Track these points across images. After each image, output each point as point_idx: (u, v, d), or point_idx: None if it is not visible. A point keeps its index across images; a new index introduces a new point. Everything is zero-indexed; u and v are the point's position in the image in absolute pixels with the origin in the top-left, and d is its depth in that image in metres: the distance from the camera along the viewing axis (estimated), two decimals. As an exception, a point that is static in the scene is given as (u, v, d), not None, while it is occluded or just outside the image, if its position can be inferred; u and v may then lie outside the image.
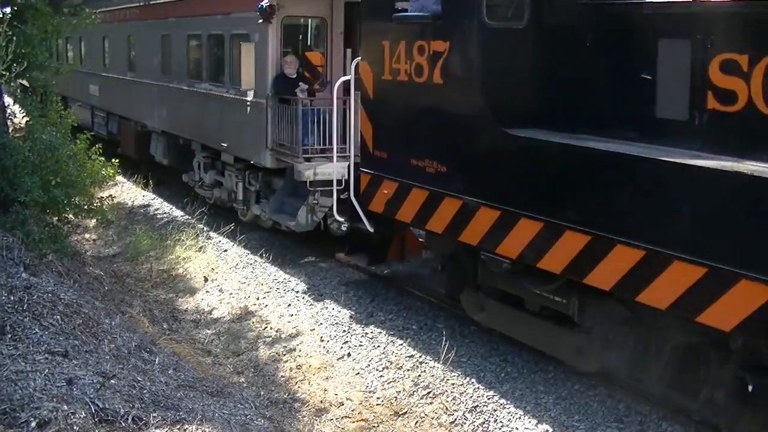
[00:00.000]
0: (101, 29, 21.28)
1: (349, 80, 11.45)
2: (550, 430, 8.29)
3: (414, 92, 9.54)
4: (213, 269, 13.94)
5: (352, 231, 12.18)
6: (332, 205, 12.26)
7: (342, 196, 12.07)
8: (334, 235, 13.58)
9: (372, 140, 10.55)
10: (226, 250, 14.89)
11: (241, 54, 14.39)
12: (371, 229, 11.15)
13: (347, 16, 13.98)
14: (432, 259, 12.15)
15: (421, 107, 9.54)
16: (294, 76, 13.54)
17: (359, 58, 10.77)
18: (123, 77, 21.28)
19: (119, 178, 19.18)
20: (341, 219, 11.96)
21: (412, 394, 9.23)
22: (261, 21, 13.37)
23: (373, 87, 10.40)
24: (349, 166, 11.47)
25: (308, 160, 13.00)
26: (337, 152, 12.28)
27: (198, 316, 12.24)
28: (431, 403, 9.00)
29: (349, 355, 10.36)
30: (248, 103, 14.32)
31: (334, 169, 12.38)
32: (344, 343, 10.67)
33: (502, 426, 8.44)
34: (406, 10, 9.80)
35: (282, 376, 10.01)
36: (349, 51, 14.09)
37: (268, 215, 14.41)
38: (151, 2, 19.35)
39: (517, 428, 8.38)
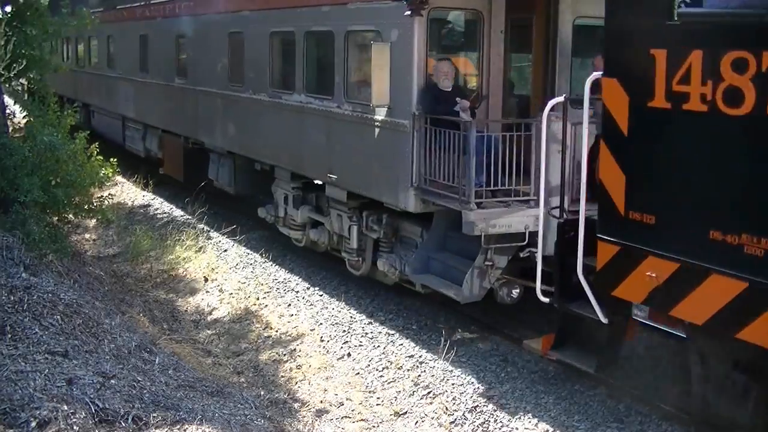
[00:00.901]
0: (138, 25, 19.21)
1: (561, 102, 8.44)
2: (550, 430, 8.29)
3: (722, 129, 6.52)
4: (213, 269, 13.94)
5: (561, 316, 8.89)
6: (506, 267, 9.96)
7: (522, 254, 9.84)
8: (502, 303, 10.50)
9: (624, 196, 7.34)
10: (226, 250, 14.89)
11: (373, 58, 10.46)
12: (605, 321, 7.98)
13: (510, 9, 10.71)
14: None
15: (735, 152, 6.52)
16: (449, 89, 10.28)
17: (598, 73, 7.61)
18: (169, 84, 17.76)
19: (119, 178, 19.20)
20: (546, 300, 8.63)
21: (412, 394, 9.23)
22: (408, 13, 10.13)
23: (631, 118, 7.20)
24: (542, 216, 8.79)
25: (480, 206, 9.69)
26: (520, 195, 9.74)
27: (198, 316, 12.24)
28: (431, 403, 9.00)
29: (349, 355, 10.36)
30: (379, 123, 10.71)
31: (526, 220, 9.55)
32: (344, 343, 10.67)
33: (502, 426, 8.44)
34: (699, 3, 6.75)
35: (282, 376, 10.01)
36: (510, 56, 11.28)
37: (414, 278, 10.87)
38: None
39: (517, 428, 8.38)
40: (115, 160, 13.71)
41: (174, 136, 17.91)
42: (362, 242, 11.86)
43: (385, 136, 10.71)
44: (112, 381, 7.10)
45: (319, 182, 12.64)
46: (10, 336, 7.45)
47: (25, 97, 19.00)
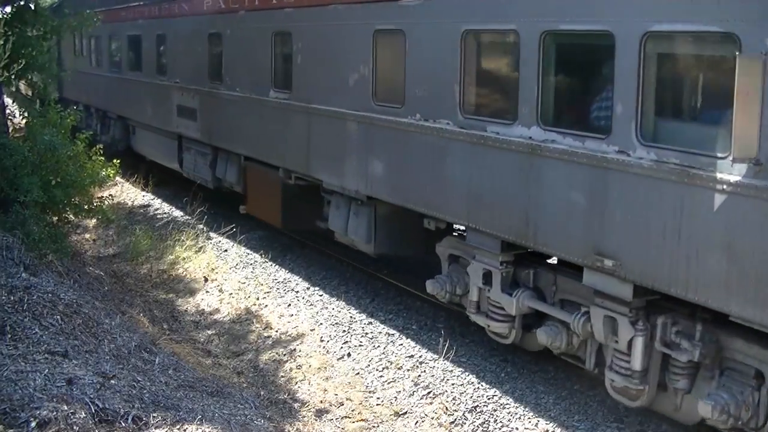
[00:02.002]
0: (208, 21, 15.32)
1: None
2: (550, 430, 8.29)
3: None
4: (213, 269, 13.94)
5: None
6: None
7: None
8: None
9: None
10: (226, 250, 14.89)
11: (738, 79, 6.35)
12: None
13: None
14: None
15: None
16: None
17: None
18: (261, 98, 13.48)
19: (119, 178, 19.17)
20: None
21: (412, 394, 9.23)
22: None
23: None
24: None
25: None
26: None
27: (198, 316, 12.24)
28: (431, 403, 9.00)
29: (349, 355, 10.36)
30: (731, 188, 6.63)
31: None
32: (344, 343, 10.67)
33: (502, 426, 8.44)
34: None
35: (282, 377, 10.01)
36: None
37: None
38: None
39: (517, 428, 8.38)
40: (119, 161, 13.74)
41: (265, 166, 13.71)
42: (649, 362, 7.88)
43: (749, 210, 6.52)
44: (112, 381, 7.11)
45: (552, 259, 9.07)
46: (10, 336, 7.46)
47: (29, 95, 18.99)
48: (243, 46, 14.07)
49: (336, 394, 9.42)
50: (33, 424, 5.93)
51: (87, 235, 16.52)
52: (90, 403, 6.45)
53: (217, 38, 15.02)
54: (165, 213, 18.09)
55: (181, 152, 17.43)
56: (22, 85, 18.74)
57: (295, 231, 14.36)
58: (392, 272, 12.76)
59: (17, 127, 16.07)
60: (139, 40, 19.05)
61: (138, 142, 20.61)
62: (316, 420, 8.84)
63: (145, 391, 7.25)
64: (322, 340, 10.84)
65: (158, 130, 18.44)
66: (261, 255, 14.15)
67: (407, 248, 11.65)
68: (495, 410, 8.69)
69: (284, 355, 10.59)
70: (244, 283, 13.23)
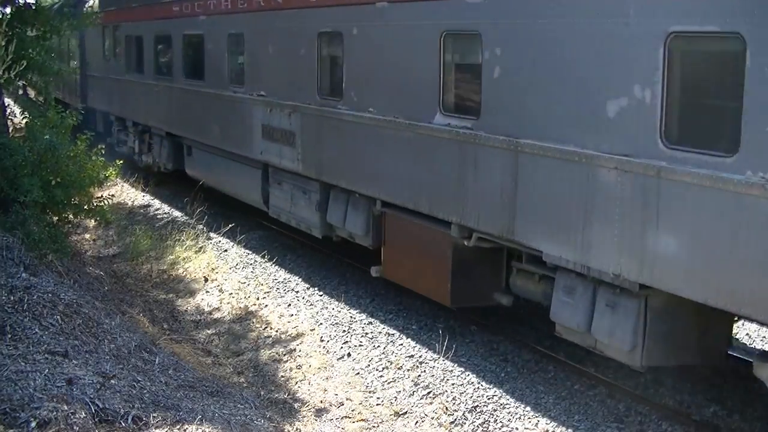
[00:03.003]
0: (323, 17, 11.66)
1: None
2: (550, 430, 8.29)
3: None
4: (213, 269, 13.94)
5: None
6: None
7: None
8: None
9: None
10: (226, 250, 14.90)
11: None
12: None
13: None
14: None
15: None
16: None
17: None
18: (414, 123, 10.02)
19: (118, 178, 19.16)
20: None
21: (412, 394, 9.23)
22: None
23: None
24: None
25: None
26: None
27: (198, 316, 12.24)
28: (431, 403, 9.00)
29: (349, 355, 10.36)
30: None
31: None
32: (344, 343, 10.67)
33: (502, 426, 8.44)
34: None
35: (282, 376, 10.01)
36: None
37: None
38: None
39: (517, 428, 8.38)
40: (121, 162, 13.74)
41: (421, 218, 10.18)
42: None
43: None
44: (112, 381, 7.11)
45: None
46: (10, 336, 7.46)
47: (32, 96, 18.93)
48: (383, 51, 10.50)
49: (336, 394, 9.42)
50: (33, 424, 5.93)
51: (87, 235, 16.52)
52: (90, 403, 6.45)
53: (335, 39, 11.45)
54: (165, 213, 18.10)
55: (267, 185, 13.79)
56: (31, 91, 18.56)
57: (465, 309, 10.76)
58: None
59: (17, 127, 16.07)
60: (201, 41, 15.64)
61: (196, 166, 17.00)
62: (316, 420, 8.84)
63: (145, 391, 7.25)
64: (322, 340, 10.84)
65: (230, 154, 14.81)
66: (261, 255, 14.16)
67: (684, 357, 8.04)
68: (495, 410, 8.69)
69: (284, 354, 10.59)
70: (244, 283, 13.23)
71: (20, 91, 20.58)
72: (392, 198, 10.60)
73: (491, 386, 9.17)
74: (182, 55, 16.69)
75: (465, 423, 8.56)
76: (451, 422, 8.60)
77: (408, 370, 9.75)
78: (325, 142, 11.93)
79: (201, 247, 14.99)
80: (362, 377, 9.79)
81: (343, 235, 12.15)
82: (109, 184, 15.93)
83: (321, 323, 11.34)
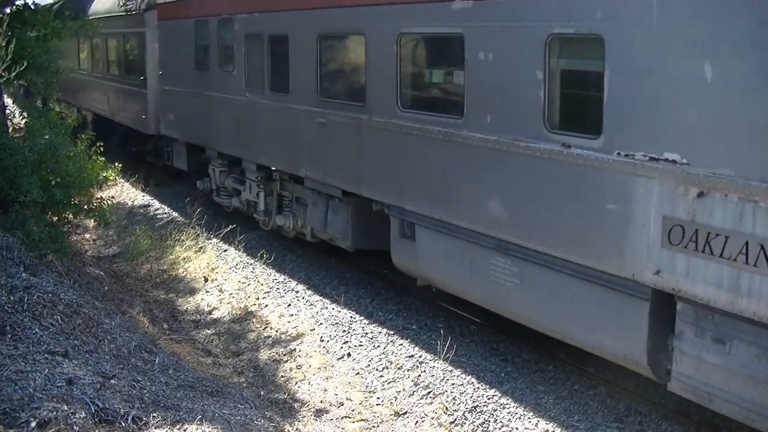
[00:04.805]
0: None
1: None
2: (550, 430, 8.29)
3: None
4: (213, 269, 13.94)
5: None
6: None
7: None
8: None
9: None
10: (226, 250, 14.89)
11: None
12: None
13: None
14: None
15: None
16: None
17: None
18: None
19: (119, 178, 19.15)
20: None
21: (412, 394, 9.23)
22: None
23: None
24: None
25: None
26: None
27: (198, 316, 12.24)
28: (431, 403, 9.00)
29: (349, 355, 10.36)
30: None
31: None
32: (344, 343, 10.67)
33: (502, 426, 8.44)
34: None
35: (282, 377, 10.01)
36: None
37: None
38: None
39: (517, 428, 8.38)
40: (120, 164, 13.74)
41: None
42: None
43: None
44: (112, 381, 7.11)
45: None
46: (10, 336, 7.45)
47: (32, 97, 18.77)
48: None
49: (336, 394, 9.42)
50: (33, 424, 5.92)
51: (87, 235, 16.52)
52: (90, 403, 6.45)
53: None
54: (165, 213, 18.10)
55: (665, 337, 7.43)
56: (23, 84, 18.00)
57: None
58: (392, 272, 12.57)
59: (17, 127, 16.07)
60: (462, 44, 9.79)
61: (425, 258, 10.27)
62: (316, 420, 8.84)
63: (145, 391, 7.25)
64: (322, 340, 10.84)
65: (537, 256, 8.46)
66: (261, 255, 14.16)
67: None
68: (495, 410, 8.69)
69: (284, 354, 10.59)
70: (244, 283, 13.23)
71: (22, 91, 19.65)
72: None
73: (491, 386, 9.18)
74: (399, 66, 10.21)
75: (465, 423, 8.56)
76: (451, 422, 8.60)
77: (408, 370, 9.75)
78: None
79: (201, 247, 14.99)
80: (362, 377, 9.79)
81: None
82: (109, 184, 15.90)
83: (321, 323, 11.34)
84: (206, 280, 13.57)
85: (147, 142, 20.79)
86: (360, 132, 11.06)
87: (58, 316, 8.14)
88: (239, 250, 14.67)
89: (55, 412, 6.08)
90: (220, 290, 13.09)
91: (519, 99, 8.43)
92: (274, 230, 14.47)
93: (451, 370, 9.55)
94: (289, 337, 11.10)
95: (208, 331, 11.53)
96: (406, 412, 8.91)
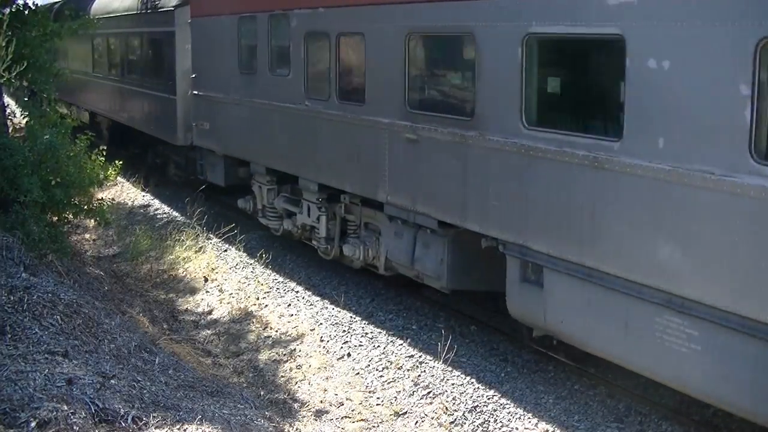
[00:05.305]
0: None
1: None
2: (550, 430, 8.29)
3: None
4: (213, 269, 13.94)
5: None
6: None
7: None
8: None
9: None
10: (226, 250, 14.89)
11: None
12: None
13: None
14: None
15: None
16: None
17: None
18: None
19: (119, 178, 19.15)
20: None
21: (412, 394, 9.23)
22: None
23: None
24: None
25: None
26: None
27: (198, 316, 12.24)
28: (431, 403, 9.00)
29: (349, 355, 10.36)
30: None
31: None
32: (344, 343, 10.67)
33: (502, 426, 8.44)
34: None
35: (282, 377, 10.01)
36: None
37: None
38: None
39: (517, 428, 8.38)
40: (120, 162, 13.73)
41: None
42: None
43: None
44: (112, 381, 7.11)
45: None
46: (10, 336, 7.46)
47: (29, 97, 18.56)
48: None
49: (336, 394, 9.42)
50: (33, 424, 5.92)
51: (87, 235, 16.53)
52: (90, 403, 6.45)
53: None
54: (165, 213, 18.09)
55: None
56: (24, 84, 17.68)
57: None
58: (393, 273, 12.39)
59: (17, 127, 16.07)
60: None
61: (566, 315, 8.43)
62: (316, 420, 8.84)
63: (145, 391, 7.25)
64: (322, 340, 10.84)
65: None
66: (261, 255, 14.16)
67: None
68: (495, 410, 8.69)
69: (284, 354, 10.59)
70: (244, 283, 13.23)
71: (26, 94, 18.75)
72: None
73: (491, 386, 9.18)
74: (523, 74, 8.49)
75: (465, 423, 8.56)
76: (451, 422, 8.60)
77: (408, 370, 9.75)
78: None
79: (201, 247, 14.99)
80: (362, 377, 9.79)
81: None
82: (109, 184, 15.89)
83: (321, 323, 11.34)
84: (206, 280, 13.58)
85: (174, 154, 18.85)
86: (466, 152, 9.19)
87: (58, 316, 8.14)
88: (239, 250, 14.67)
89: (55, 412, 6.08)
90: (220, 290, 13.09)
91: (710, 119, 6.67)
92: (336, 259, 12.65)
93: (451, 370, 9.55)
94: (289, 337, 11.10)
95: (208, 331, 11.53)
96: (406, 412, 8.91)
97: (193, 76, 15.91)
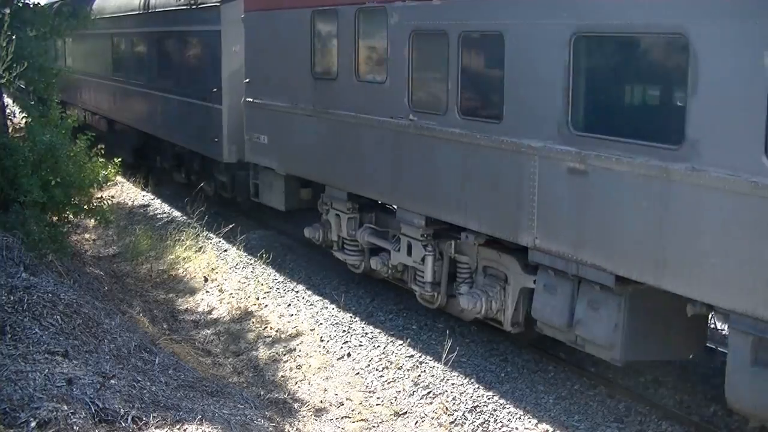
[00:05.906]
0: None
1: None
2: (550, 430, 8.29)
3: None
4: (213, 269, 13.94)
5: None
6: None
7: None
8: None
9: None
10: (226, 250, 14.89)
11: None
12: None
13: None
14: None
15: None
16: None
17: None
18: None
19: (119, 178, 19.14)
20: None
21: (412, 394, 9.23)
22: None
23: None
24: None
25: None
26: None
27: (198, 316, 12.24)
28: (431, 403, 9.00)
29: (349, 355, 10.36)
30: None
31: None
32: (344, 343, 10.67)
33: (502, 426, 8.44)
34: None
35: (282, 376, 10.01)
36: None
37: None
38: None
39: (517, 428, 8.38)
40: (119, 160, 13.72)
41: None
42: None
43: None
44: (112, 381, 7.11)
45: None
46: (10, 336, 7.46)
47: (31, 98, 18.42)
48: None
49: (336, 394, 9.42)
50: (33, 424, 5.93)
51: (87, 235, 16.53)
52: (90, 403, 6.45)
53: None
54: (165, 213, 18.09)
55: None
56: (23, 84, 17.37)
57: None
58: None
59: (17, 127, 16.08)
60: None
61: None
62: (316, 420, 8.84)
63: (145, 391, 7.25)
64: (322, 340, 10.84)
65: None
66: (261, 255, 14.16)
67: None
68: (495, 410, 8.69)
69: (284, 354, 10.59)
70: (244, 283, 13.23)
71: (30, 98, 17.92)
72: None
73: (491, 386, 9.17)
74: None
75: (465, 423, 8.56)
76: (451, 422, 8.60)
77: (408, 370, 9.75)
78: None
79: (201, 247, 14.98)
80: (362, 377, 9.79)
81: None
82: (109, 183, 15.89)
83: (321, 323, 11.34)
84: (206, 280, 13.57)
85: (216, 171, 16.31)
86: (668, 192, 7.11)
87: (58, 316, 8.14)
88: (239, 250, 14.67)
89: (54, 412, 6.08)
90: (220, 290, 13.09)
91: None
92: (441, 308, 10.74)
93: (451, 370, 9.55)
94: (288, 337, 11.10)
95: (208, 331, 11.53)
96: (406, 412, 8.91)
97: (246, 81, 13.62)
